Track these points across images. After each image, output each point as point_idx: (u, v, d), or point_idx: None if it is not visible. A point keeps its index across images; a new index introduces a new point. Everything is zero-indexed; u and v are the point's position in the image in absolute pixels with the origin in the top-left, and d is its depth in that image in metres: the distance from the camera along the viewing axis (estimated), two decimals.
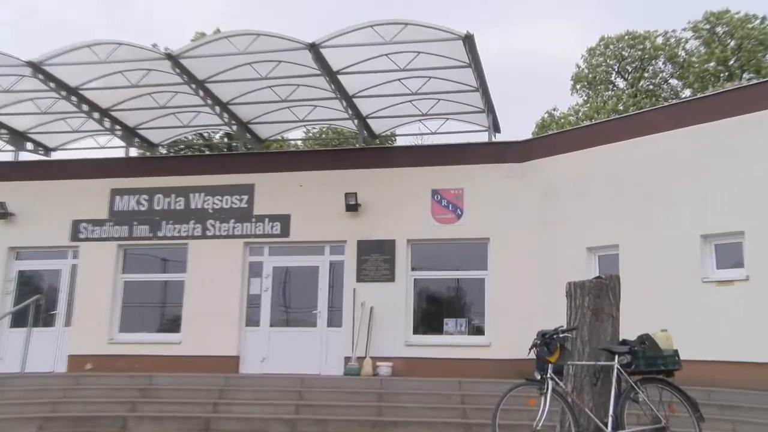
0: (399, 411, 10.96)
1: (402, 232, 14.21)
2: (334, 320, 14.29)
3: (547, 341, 6.75)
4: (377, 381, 12.43)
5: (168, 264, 15.44)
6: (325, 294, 14.44)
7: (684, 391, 6.53)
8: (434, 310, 14.49)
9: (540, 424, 6.31)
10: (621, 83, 30.45)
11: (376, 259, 14.17)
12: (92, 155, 17.33)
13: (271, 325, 14.47)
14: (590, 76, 30.38)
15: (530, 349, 6.89)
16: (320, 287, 14.47)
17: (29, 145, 17.52)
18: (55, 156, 17.87)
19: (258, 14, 56.79)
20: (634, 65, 29.66)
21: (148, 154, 18.38)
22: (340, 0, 54.81)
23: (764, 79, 15.28)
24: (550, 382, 6.52)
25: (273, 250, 14.85)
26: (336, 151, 17.34)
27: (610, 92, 30.06)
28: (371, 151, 15.83)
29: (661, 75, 29.48)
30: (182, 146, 25.57)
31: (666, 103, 18.33)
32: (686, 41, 28.81)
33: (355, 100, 15.12)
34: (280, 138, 19.49)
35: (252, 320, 14.58)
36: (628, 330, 7.00)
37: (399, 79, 14.47)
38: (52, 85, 14.39)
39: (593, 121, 22.77)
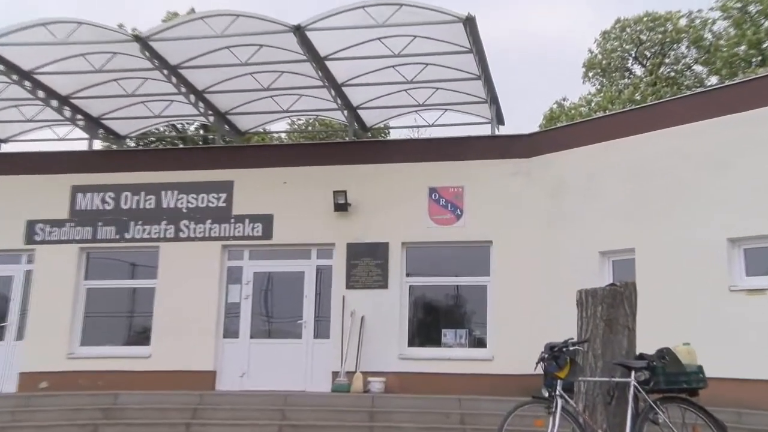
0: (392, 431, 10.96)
1: (396, 234, 14.20)
2: (321, 331, 14.26)
3: (555, 355, 6.74)
4: (368, 398, 12.40)
5: (137, 269, 15.37)
6: (312, 302, 14.42)
7: (710, 412, 6.52)
8: (431, 320, 14.46)
9: None
10: (638, 70, 30.54)
11: (367, 264, 14.15)
12: (50, 148, 17.14)
13: (251, 337, 14.42)
14: (604, 62, 30.45)
15: (537, 364, 6.88)
16: (306, 295, 14.44)
17: None
18: (7, 148, 17.72)
19: None
20: (653, 50, 29.74)
21: (114, 147, 18.31)
22: None
23: None
24: (560, 401, 6.52)
25: (254, 254, 14.81)
26: (324, 144, 17.30)
27: (626, 80, 30.14)
28: (362, 145, 15.78)
29: (684, 61, 29.53)
30: (153, 139, 25.52)
31: (689, 92, 18.37)
32: (713, 22, 28.56)
33: (344, 88, 15.09)
34: (261, 130, 19.44)
35: (230, 331, 14.53)
36: (646, 343, 6.99)
37: (393, 66, 14.45)
38: (1, 68, 14.29)
39: (607, 113, 22.83)
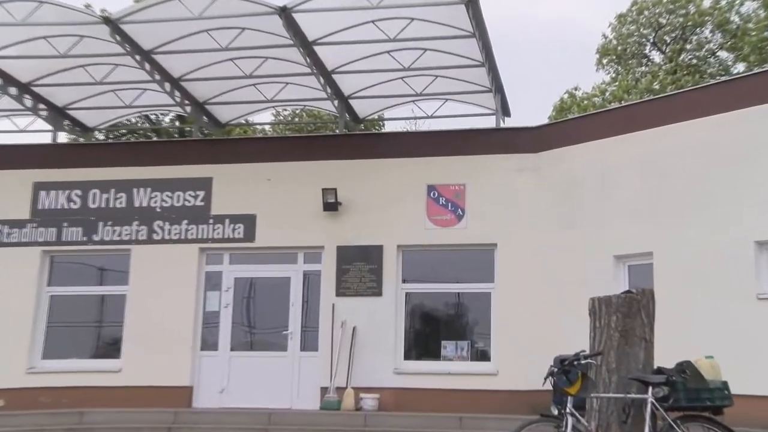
0: None
1: (391, 236, 14.20)
2: (308, 343, 14.26)
3: (566, 369, 6.75)
4: (361, 417, 12.41)
5: (105, 274, 15.35)
6: (298, 311, 14.42)
7: None
8: (430, 331, 14.47)
9: None
10: (657, 57, 30.59)
11: (359, 269, 14.15)
12: (9, 140, 17.12)
13: (231, 349, 14.42)
14: (620, 48, 30.48)
15: (546, 379, 6.89)
16: (292, 303, 14.44)
17: None
18: None
19: None
20: (673, 35, 29.77)
21: (81, 140, 18.28)
22: None
23: None
24: (570, 419, 6.52)
25: (235, 258, 14.81)
26: (312, 137, 17.32)
27: (643, 68, 30.19)
28: (354, 139, 15.77)
29: (707, 46, 29.56)
30: (124, 131, 25.46)
31: (713, 81, 18.39)
32: (741, 3, 28.66)
33: (334, 76, 15.09)
34: (243, 122, 19.46)
35: (209, 343, 14.52)
36: (665, 356, 7.00)
37: (388, 52, 14.46)
38: None
39: (623, 103, 22.85)
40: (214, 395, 14.11)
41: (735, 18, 28.51)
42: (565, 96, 30.49)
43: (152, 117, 25.48)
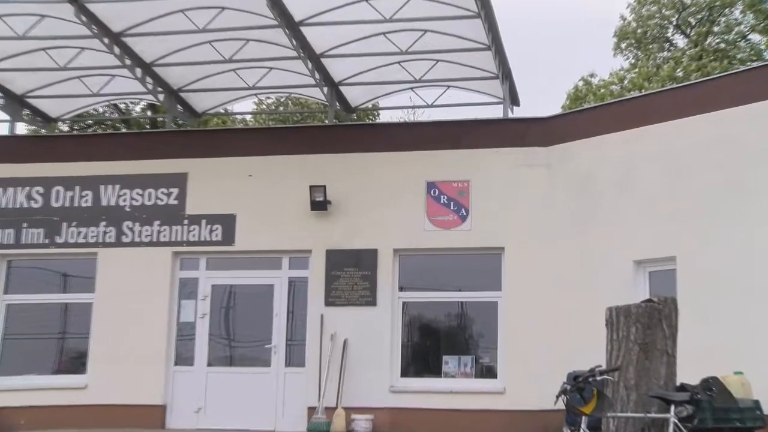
0: None
1: (387, 239, 14.21)
2: (294, 358, 14.28)
3: (580, 386, 6.77)
4: None
5: (69, 281, 15.37)
6: (283, 322, 14.43)
7: None
8: (429, 345, 14.50)
9: None
10: (681, 41, 30.66)
11: (351, 276, 14.16)
12: None
13: (209, 364, 14.44)
14: (639, 31, 30.54)
15: (558, 397, 6.91)
16: (276, 313, 14.45)
17: None
18: None
19: None
20: (699, 16, 29.85)
21: (43, 131, 18.28)
22: None
23: None
24: None
25: (212, 263, 14.83)
26: (298, 129, 17.33)
27: (666, 53, 30.24)
28: (346, 130, 15.78)
29: (737, 29, 29.61)
30: (90, 121, 25.46)
31: (744, 67, 18.44)
32: None
33: (324, 60, 15.10)
34: (222, 111, 19.44)
35: (183, 357, 14.54)
36: (689, 372, 7.02)
37: (384, 33, 14.46)
38: None
39: (644, 92, 22.88)
40: (190, 415, 14.12)
41: None
42: (580, 84, 30.54)
43: (122, 106, 25.45)
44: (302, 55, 14.46)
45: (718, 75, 15.13)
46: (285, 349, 14.33)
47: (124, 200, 15.03)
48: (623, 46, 30.99)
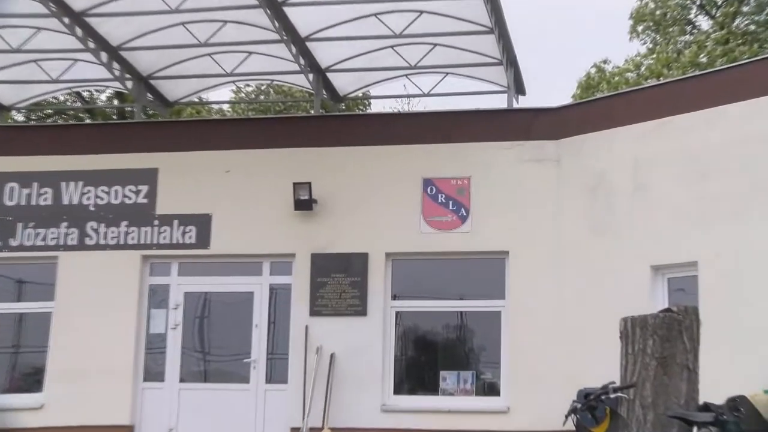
0: None
1: (378, 242, 14.22)
2: (276, 373, 14.30)
3: (592, 405, 6.78)
4: None
5: (26, 288, 15.35)
6: (263, 334, 14.43)
7: None
8: (426, 359, 14.52)
9: None
10: (705, 23, 30.70)
11: (339, 283, 14.16)
12: None
13: (181, 380, 14.43)
14: (658, 12, 30.57)
15: (567, 417, 6.92)
16: (256, 324, 14.45)
17: None
18: None
19: None
20: None
21: None
22: None
23: None
24: None
25: (185, 269, 14.83)
26: (281, 119, 17.33)
27: (687, 36, 30.27)
28: (334, 121, 15.79)
29: None
30: (49, 111, 25.40)
31: None
32: None
33: (309, 44, 15.11)
34: (197, 100, 19.41)
35: (153, 373, 14.53)
36: (713, 389, 7.03)
37: (375, 15, 14.47)
38: None
39: (663, 80, 22.92)
40: None
41: None
42: (592, 71, 30.59)
43: (85, 94, 25.42)
44: (285, 38, 14.46)
45: (746, 60, 15.16)
46: (266, 363, 14.32)
47: (88, 198, 15.00)
48: (640, 29, 31.01)
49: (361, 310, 14.07)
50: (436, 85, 16.75)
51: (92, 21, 14.53)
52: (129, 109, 22.46)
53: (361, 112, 22.54)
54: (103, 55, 15.37)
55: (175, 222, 14.71)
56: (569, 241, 13.63)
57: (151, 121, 16.81)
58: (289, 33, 14.44)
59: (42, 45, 15.50)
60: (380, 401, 13.83)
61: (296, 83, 17.85)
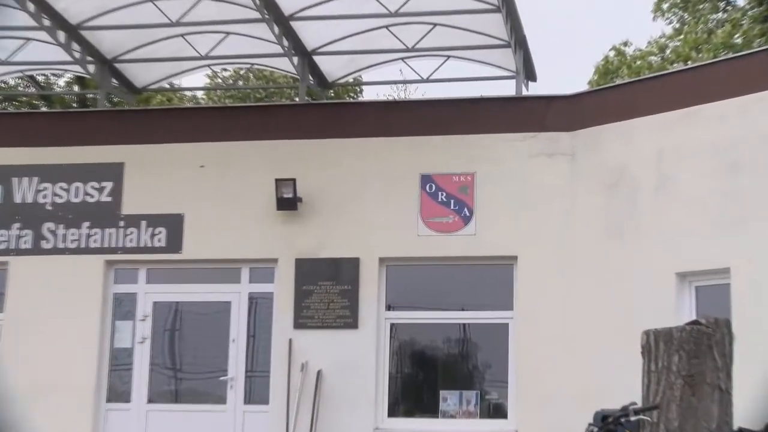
0: None
1: (371, 245, 14.25)
2: (256, 393, 14.34)
3: (610, 428, 6.77)
4: None
5: None
6: (242, 349, 14.46)
7: None
8: (424, 377, 14.54)
9: None
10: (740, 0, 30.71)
11: (327, 291, 14.18)
12: None
13: (150, 401, 14.45)
14: None
15: None
16: (233, 338, 14.48)
17: None
18: None
19: None
20: None
21: None
22: None
23: None
24: None
25: (155, 275, 14.85)
26: (262, 108, 17.32)
27: (720, 14, 30.29)
28: (321, 110, 15.81)
29: None
30: None
31: None
32: None
33: (293, 23, 15.12)
34: (168, 86, 19.42)
35: (118, 392, 14.57)
36: (749, 412, 7.03)
37: None
38: None
39: (690, 64, 22.94)
40: None
41: None
42: (611, 54, 30.62)
43: (40, 78, 25.39)
44: (267, 16, 14.46)
45: None
46: (244, 382, 14.36)
47: (45, 197, 15.01)
48: (665, 6, 31.02)
49: (351, 322, 14.09)
50: (436, 70, 16.75)
51: None
52: (91, 96, 22.45)
53: (351, 100, 22.54)
54: (61, 35, 15.34)
55: (143, 223, 14.71)
56: (584, 245, 13.65)
57: (116, 110, 16.81)
58: (271, 11, 14.43)
59: None
60: (373, 424, 13.85)
61: (279, 67, 17.83)
